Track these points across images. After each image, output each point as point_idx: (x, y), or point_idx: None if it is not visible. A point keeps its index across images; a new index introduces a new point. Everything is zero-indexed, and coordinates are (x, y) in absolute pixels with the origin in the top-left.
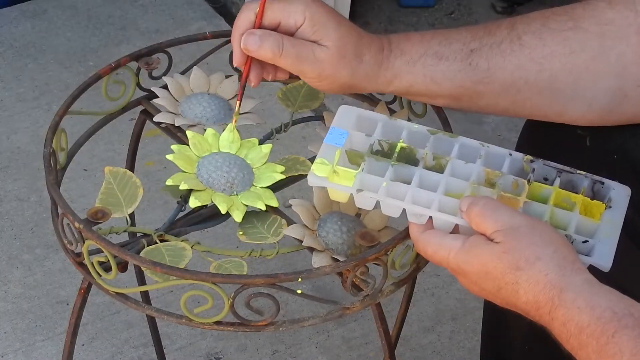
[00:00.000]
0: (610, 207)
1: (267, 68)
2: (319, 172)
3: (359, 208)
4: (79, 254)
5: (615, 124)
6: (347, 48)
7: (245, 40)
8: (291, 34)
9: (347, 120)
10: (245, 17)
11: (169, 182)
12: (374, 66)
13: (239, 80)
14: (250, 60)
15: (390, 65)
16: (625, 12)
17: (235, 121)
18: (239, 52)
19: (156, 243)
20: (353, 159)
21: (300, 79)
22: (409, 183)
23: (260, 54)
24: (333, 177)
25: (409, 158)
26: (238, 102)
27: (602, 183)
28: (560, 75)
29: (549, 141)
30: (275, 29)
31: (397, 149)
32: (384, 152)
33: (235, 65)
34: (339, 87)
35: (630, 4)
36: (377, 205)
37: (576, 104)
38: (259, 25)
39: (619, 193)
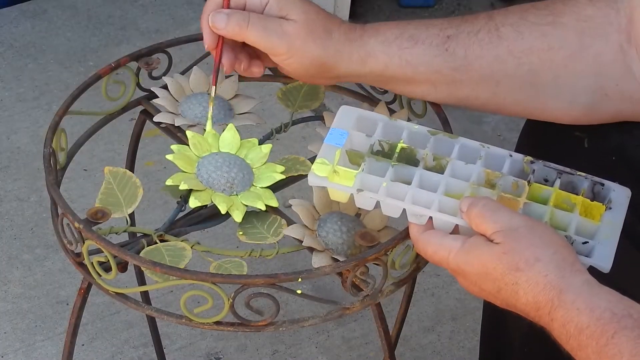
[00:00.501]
0: (610, 208)
1: (240, 56)
2: (319, 172)
3: (359, 208)
4: (79, 254)
5: (600, 122)
6: (315, 23)
7: (213, 18)
8: (259, 12)
9: (347, 120)
10: (212, 2)
11: (168, 182)
12: (345, 42)
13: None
14: (221, 41)
15: (363, 43)
16: (605, 9)
17: (212, 106)
18: (209, 33)
19: (156, 243)
20: (353, 159)
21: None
22: (409, 183)
23: (228, 30)
24: (333, 177)
25: (409, 158)
26: (213, 86)
27: (602, 184)
28: (540, 72)
29: (547, 143)
30: (242, 9)
31: (398, 150)
32: (385, 153)
33: (206, 48)
34: (310, 63)
35: (611, 1)
36: (377, 205)
37: (557, 102)
38: (227, 6)
39: (619, 194)
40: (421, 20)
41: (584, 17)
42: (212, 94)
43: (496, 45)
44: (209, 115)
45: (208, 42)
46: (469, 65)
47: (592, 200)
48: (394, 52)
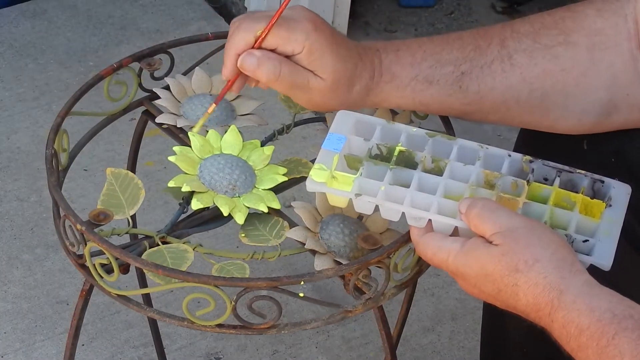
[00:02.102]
0: (610, 205)
1: (251, 78)
2: (317, 178)
3: None
4: (81, 256)
5: (606, 130)
6: (341, 81)
7: (243, 60)
8: (286, 56)
9: (345, 125)
10: (242, 38)
11: (171, 184)
12: (363, 95)
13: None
14: (239, 73)
15: (379, 90)
16: (614, 18)
17: (204, 120)
18: (231, 67)
19: (158, 245)
20: (352, 163)
21: None
22: (408, 186)
23: (256, 76)
24: (332, 182)
25: (407, 161)
26: (215, 104)
27: (602, 182)
28: (551, 94)
29: (546, 145)
30: (271, 51)
31: (396, 153)
32: (383, 156)
33: (223, 78)
34: (326, 110)
35: (619, 9)
36: (377, 209)
37: (566, 120)
38: (258, 47)
39: (619, 191)
40: (435, 50)
41: (594, 31)
42: (210, 109)
43: (509, 75)
44: (200, 122)
45: (227, 74)
46: (481, 99)
47: (592, 198)
48: (407, 95)
